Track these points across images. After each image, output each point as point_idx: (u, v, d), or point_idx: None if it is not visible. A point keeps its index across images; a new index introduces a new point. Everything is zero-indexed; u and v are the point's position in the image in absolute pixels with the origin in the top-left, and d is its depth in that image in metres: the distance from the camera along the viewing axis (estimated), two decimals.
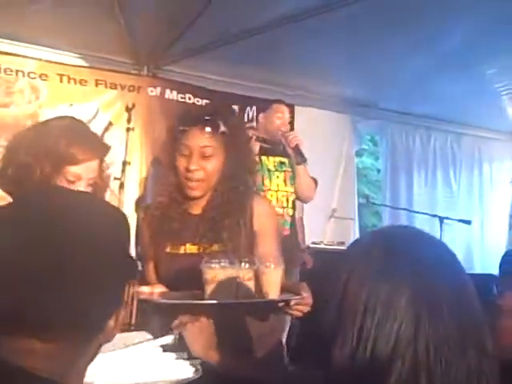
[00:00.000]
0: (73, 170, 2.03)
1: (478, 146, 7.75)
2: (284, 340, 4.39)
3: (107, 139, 5.28)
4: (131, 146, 5.04)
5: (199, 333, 1.82)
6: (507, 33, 5.34)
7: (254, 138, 4.18)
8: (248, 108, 5.58)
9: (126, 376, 1.54)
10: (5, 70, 5.05)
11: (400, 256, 1.00)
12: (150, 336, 1.73)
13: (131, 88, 5.50)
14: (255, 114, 5.69)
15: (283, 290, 1.96)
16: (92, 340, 0.98)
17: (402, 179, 7.22)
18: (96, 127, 5.26)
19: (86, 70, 5.33)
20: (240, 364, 1.91)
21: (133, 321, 4.46)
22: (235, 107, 5.67)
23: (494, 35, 5.34)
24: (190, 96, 5.78)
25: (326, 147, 6.43)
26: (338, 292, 1.00)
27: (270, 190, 4.27)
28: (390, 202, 7.16)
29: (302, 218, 4.82)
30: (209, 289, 1.86)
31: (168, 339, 1.69)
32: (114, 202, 4.98)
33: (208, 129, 2.13)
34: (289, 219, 4.34)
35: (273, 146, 4.31)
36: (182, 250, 2.20)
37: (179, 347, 1.70)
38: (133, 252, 2.40)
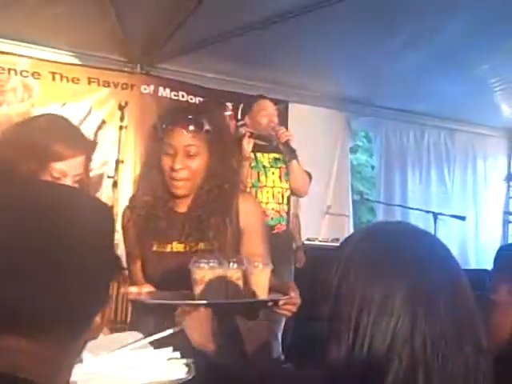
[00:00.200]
0: (58, 166, 2.03)
1: (471, 143, 7.76)
2: (279, 337, 4.40)
3: (100, 137, 5.34)
4: (125, 144, 5.04)
5: (199, 323, 1.82)
6: (500, 30, 5.36)
7: (248, 134, 4.18)
8: (242, 105, 5.56)
9: (119, 378, 1.53)
10: None
11: (395, 253, 0.99)
12: (141, 336, 1.72)
13: (124, 86, 5.48)
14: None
15: (272, 289, 1.96)
16: (78, 338, 0.97)
17: (396, 176, 7.22)
18: (89, 125, 5.31)
19: (79, 68, 5.32)
20: (235, 359, 1.91)
21: (128, 319, 4.47)
22: (229, 104, 5.67)
23: (487, 32, 5.35)
24: (184, 94, 5.77)
25: (319, 144, 6.44)
26: (333, 289, 0.99)
27: (265, 186, 4.27)
28: (384, 198, 7.16)
29: (298, 215, 4.82)
30: (198, 289, 1.85)
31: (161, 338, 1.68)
32: (108, 201, 4.97)
33: (192, 127, 2.13)
34: (285, 215, 4.34)
35: (267, 143, 4.31)
36: (168, 249, 2.20)
37: (172, 344, 1.70)
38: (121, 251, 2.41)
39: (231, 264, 1.89)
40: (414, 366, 0.92)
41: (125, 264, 2.38)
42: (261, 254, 2.15)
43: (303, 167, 4.44)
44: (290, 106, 6.31)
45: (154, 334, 1.75)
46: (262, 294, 1.92)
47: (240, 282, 1.89)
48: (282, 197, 4.31)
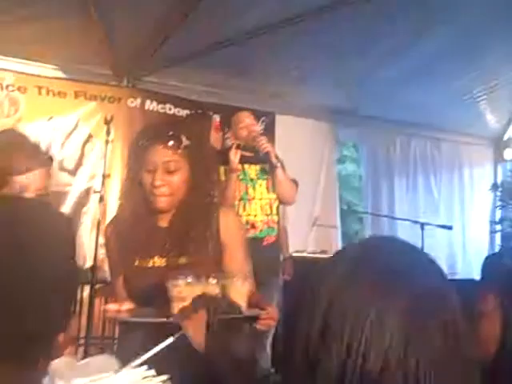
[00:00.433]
0: (19, 179, 2.06)
1: (458, 152, 7.80)
2: (268, 348, 4.38)
3: (87, 151, 5.33)
4: (112, 158, 5.03)
5: (200, 325, 1.82)
6: (484, 40, 5.42)
7: (235, 146, 4.18)
8: (222, 118, 5.58)
9: None
10: None
11: (389, 272, 0.99)
12: (114, 359, 1.69)
13: (111, 99, 5.48)
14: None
15: (251, 304, 1.96)
16: (39, 358, 0.93)
17: (383, 185, 7.25)
18: (76, 139, 5.31)
19: (65, 81, 5.31)
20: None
21: (115, 334, 4.45)
22: (216, 116, 5.68)
23: (470, 42, 5.41)
24: (171, 106, 5.77)
25: (306, 155, 6.45)
26: (325, 305, 0.99)
27: (254, 198, 4.26)
28: (372, 208, 7.19)
29: (285, 227, 4.82)
30: (175, 306, 1.86)
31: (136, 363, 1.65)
32: (95, 215, 4.96)
33: (170, 143, 2.14)
34: (275, 226, 4.32)
35: (253, 153, 4.30)
36: (150, 264, 2.20)
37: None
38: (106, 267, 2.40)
39: (210, 279, 1.90)
40: None
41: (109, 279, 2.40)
42: (242, 269, 2.17)
43: (291, 177, 4.44)
44: (276, 117, 6.33)
45: (143, 348, 1.74)
46: (240, 309, 1.92)
47: (219, 298, 1.90)
48: (271, 208, 4.30)
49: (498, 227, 7.73)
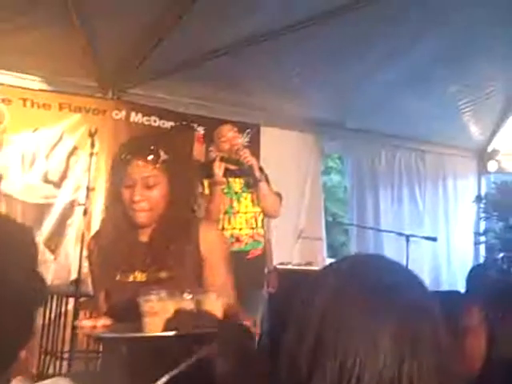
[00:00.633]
0: None
1: (442, 164, 7.85)
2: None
3: (72, 163, 5.31)
4: (97, 170, 5.01)
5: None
6: (469, 52, 5.47)
7: (218, 159, 4.18)
8: (206, 131, 5.57)
9: None
10: None
11: (381, 292, 0.99)
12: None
13: (96, 111, 5.45)
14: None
15: (229, 317, 1.96)
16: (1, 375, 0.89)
17: (368, 197, 7.27)
18: (61, 151, 5.28)
19: (50, 93, 5.28)
20: None
21: (100, 348, 4.42)
22: (200, 129, 5.68)
23: (456, 54, 5.46)
24: (156, 118, 5.76)
25: (291, 167, 6.47)
26: (316, 321, 0.98)
27: (239, 212, 4.26)
28: (357, 220, 7.20)
29: (269, 240, 4.82)
30: (146, 322, 1.85)
31: None
32: (80, 228, 4.94)
33: (149, 158, 2.14)
34: (260, 239, 4.33)
35: (238, 167, 4.30)
36: (131, 278, 2.19)
37: None
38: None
39: (185, 294, 1.89)
40: None
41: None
42: (223, 283, 2.18)
43: (275, 190, 4.45)
44: (262, 129, 6.33)
45: (126, 363, 1.73)
46: (214, 324, 1.91)
47: (192, 313, 1.89)
48: (256, 221, 4.32)
49: (483, 238, 7.79)
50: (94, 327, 1.98)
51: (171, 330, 1.84)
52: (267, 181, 4.36)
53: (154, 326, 1.84)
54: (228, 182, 4.28)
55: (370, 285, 0.99)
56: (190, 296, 1.89)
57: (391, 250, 6.85)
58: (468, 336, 1.68)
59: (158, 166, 2.14)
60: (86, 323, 2.03)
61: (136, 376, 1.92)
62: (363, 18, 4.71)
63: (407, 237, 5.92)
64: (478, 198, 7.83)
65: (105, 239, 2.24)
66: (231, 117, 5.67)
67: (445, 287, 7.32)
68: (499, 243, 7.38)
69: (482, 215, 7.78)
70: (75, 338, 4.54)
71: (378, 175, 7.34)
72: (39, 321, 4.83)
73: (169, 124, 5.75)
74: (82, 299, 4.63)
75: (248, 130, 6.15)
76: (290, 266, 5.76)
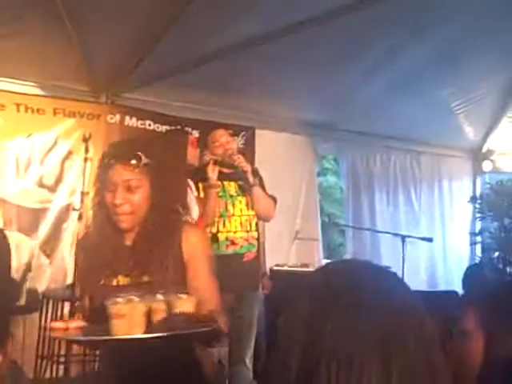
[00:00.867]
0: None
1: (437, 165, 7.86)
2: (248, 362, 4.38)
3: (67, 168, 5.31)
4: (91, 175, 5.00)
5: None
6: (463, 54, 5.48)
7: (212, 162, 4.19)
8: (200, 135, 5.56)
9: None
10: None
11: (365, 300, 0.99)
12: None
13: (90, 116, 5.45)
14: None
15: (203, 320, 1.95)
16: None
17: (364, 198, 7.27)
18: (56, 156, 5.28)
19: (44, 98, 5.28)
20: None
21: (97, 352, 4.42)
22: (195, 132, 5.69)
23: (450, 56, 5.47)
24: (150, 122, 5.77)
25: (287, 170, 6.47)
26: (304, 325, 0.98)
27: (233, 215, 4.27)
28: (353, 221, 7.21)
29: (263, 243, 4.83)
30: (114, 324, 1.85)
31: None
32: (75, 233, 4.94)
33: (131, 162, 2.15)
34: (254, 242, 4.35)
35: (233, 170, 4.31)
36: (114, 282, 2.20)
37: None
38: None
39: (157, 296, 1.89)
40: None
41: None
42: (206, 286, 2.19)
43: (270, 193, 4.46)
44: (256, 132, 6.34)
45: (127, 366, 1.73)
46: (185, 326, 1.90)
47: (163, 315, 1.89)
48: (250, 224, 4.32)
49: (478, 238, 7.79)
50: (67, 329, 1.98)
51: (139, 333, 1.84)
52: (262, 185, 4.37)
53: (122, 329, 1.83)
54: (223, 186, 4.29)
55: (356, 291, 0.99)
56: (162, 297, 1.90)
57: (387, 250, 6.87)
58: (465, 338, 1.67)
59: (139, 169, 2.15)
60: (57, 325, 2.02)
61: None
62: (356, 21, 4.71)
63: (403, 237, 5.93)
64: (474, 199, 7.84)
65: (90, 243, 2.26)
66: (226, 120, 5.69)
67: (441, 287, 7.34)
68: (494, 243, 7.39)
69: (478, 215, 7.79)
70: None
71: (374, 177, 7.36)
72: (35, 325, 4.85)
73: (163, 128, 5.75)
74: (77, 303, 4.63)
75: (243, 133, 6.16)
76: (285, 268, 5.77)
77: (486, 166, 7.94)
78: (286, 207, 5.81)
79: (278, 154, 6.36)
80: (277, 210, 4.51)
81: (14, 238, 4.96)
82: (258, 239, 4.38)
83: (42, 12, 4.40)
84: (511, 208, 7.28)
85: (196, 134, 5.64)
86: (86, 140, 4.63)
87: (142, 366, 1.88)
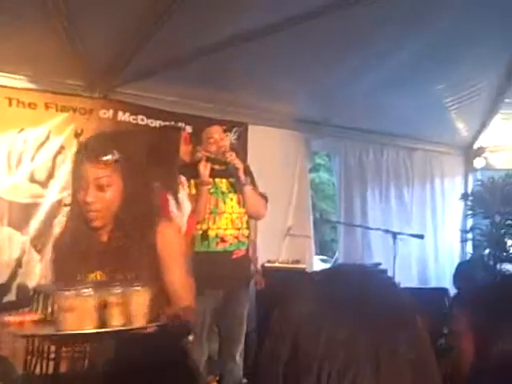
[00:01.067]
0: None
1: (429, 161, 7.88)
2: (238, 359, 4.39)
3: (59, 163, 5.28)
4: None
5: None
6: (455, 50, 5.50)
7: (204, 159, 4.19)
8: (194, 131, 5.54)
9: None
10: None
11: (355, 305, 0.99)
12: None
13: (82, 111, 5.41)
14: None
15: (154, 310, 1.96)
16: None
17: (356, 194, 7.28)
18: (48, 151, 5.26)
19: (36, 93, 5.23)
20: None
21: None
22: (188, 128, 5.67)
23: (442, 53, 5.49)
24: (143, 117, 5.74)
25: (279, 166, 6.48)
26: (290, 341, 0.98)
27: (224, 212, 4.27)
28: (345, 217, 7.21)
29: (254, 241, 4.83)
30: (64, 317, 1.85)
31: None
32: None
33: (102, 159, 2.15)
34: (245, 240, 4.35)
35: (225, 167, 4.31)
36: (90, 278, 2.21)
37: None
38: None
39: (113, 289, 1.90)
40: None
41: None
42: (181, 282, 2.22)
43: (263, 189, 4.47)
44: (249, 127, 6.33)
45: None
46: (139, 319, 1.91)
47: (119, 308, 1.89)
48: (241, 222, 4.33)
49: (469, 235, 7.82)
50: (22, 323, 1.98)
51: (90, 327, 1.84)
52: (253, 183, 4.38)
53: (71, 322, 1.83)
54: (214, 183, 4.29)
55: (346, 296, 0.99)
56: (117, 290, 1.90)
57: (379, 247, 6.90)
58: (456, 339, 1.67)
59: (111, 166, 2.15)
60: (12, 319, 2.02)
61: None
62: (349, 17, 4.72)
63: (394, 234, 5.95)
64: (465, 196, 7.86)
65: (67, 240, 2.27)
66: (219, 115, 5.69)
67: (432, 283, 7.37)
68: (485, 240, 7.42)
69: (469, 212, 7.81)
70: None
71: (366, 173, 7.36)
72: None
73: (156, 123, 5.73)
74: None
75: (235, 129, 6.15)
76: (277, 264, 5.78)
77: (478, 162, 7.96)
78: (278, 203, 5.81)
79: (270, 149, 6.36)
80: (269, 206, 4.52)
81: (5, 233, 4.95)
82: (248, 237, 4.39)
83: (34, 6, 4.37)
84: (502, 205, 7.31)
85: (189, 129, 5.61)
86: (77, 136, 4.61)
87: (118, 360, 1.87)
